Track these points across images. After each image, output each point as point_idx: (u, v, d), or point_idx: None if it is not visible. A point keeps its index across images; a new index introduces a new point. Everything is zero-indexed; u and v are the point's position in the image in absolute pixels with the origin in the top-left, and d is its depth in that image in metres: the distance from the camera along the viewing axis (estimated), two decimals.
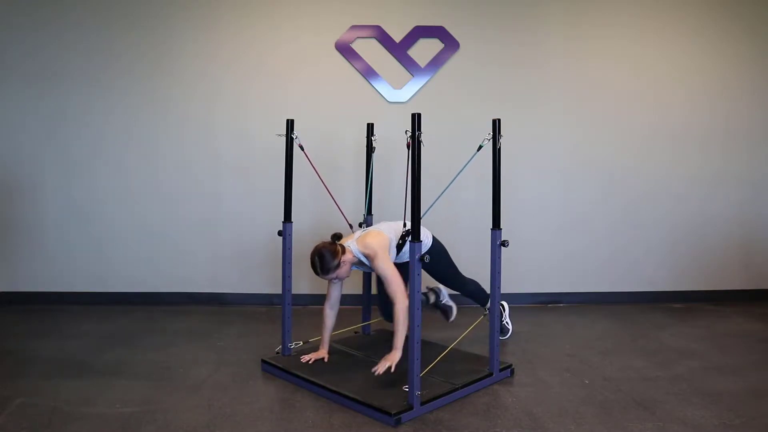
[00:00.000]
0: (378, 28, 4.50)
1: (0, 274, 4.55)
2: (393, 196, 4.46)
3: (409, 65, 4.51)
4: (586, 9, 4.56)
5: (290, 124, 3.22)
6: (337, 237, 3.01)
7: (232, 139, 4.53)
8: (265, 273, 4.56)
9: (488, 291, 3.24)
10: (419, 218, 2.56)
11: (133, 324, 4.03)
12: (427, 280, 3.45)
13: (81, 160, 4.52)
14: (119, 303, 4.54)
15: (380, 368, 2.74)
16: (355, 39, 4.51)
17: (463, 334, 3.38)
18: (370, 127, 3.61)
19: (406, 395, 2.59)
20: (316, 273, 2.91)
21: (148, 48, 4.49)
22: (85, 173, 4.53)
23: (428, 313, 3.57)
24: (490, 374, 2.95)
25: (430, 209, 3.04)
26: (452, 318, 3.60)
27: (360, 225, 3.60)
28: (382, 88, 4.51)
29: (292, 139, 3.21)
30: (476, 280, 3.55)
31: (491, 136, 2.93)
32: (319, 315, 3.26)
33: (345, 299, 3.30)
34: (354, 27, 4.49)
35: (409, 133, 2.57)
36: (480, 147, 3.00)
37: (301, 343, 3.39)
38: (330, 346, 3.20)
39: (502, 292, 3.19)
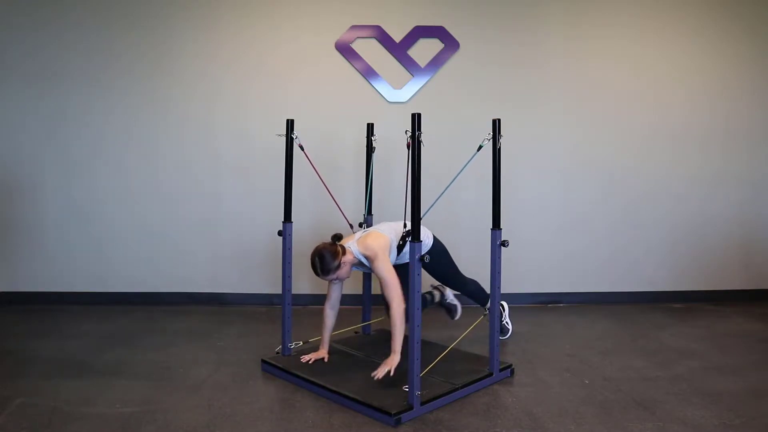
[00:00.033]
0: (378, 28, 4.50)
1: (0, 274, 4.56)
2: (393, 196, 4.46)
3: (409, 65, 4.51)
4: (586, 9, 4.56)
5: (290, 124, 3.22)
6: (337, 238, 3.01)
7: (232, 139, 4.53)
8: (265, 273, 4.56)
9: (488, 291, 3.25)
10: (419, 218, 2.56)
11: (133, 324, 4.03)
12: (429, 280, 3.45)
13: (81, 160, 4.52)
14: (119, 303, 4.54)
15: (380, 373, 2.74)
16: (355, 39, 4.51)
17: (463, 334, 3.38)
18: (370, 127, 3.61)
19: (406, 395, 2.59)
20: (317, 274, 2.91)
21: (148, 48, 4.49)
22: (85, 173, 4.53)
23: (429, 313, 3.57)
24: (490, 374, 2.95)
25: (431, 209, 3.05)
26: (457, 316, 3.62)
27: (360, 225, 3.61)
28: (382, 88, 4.51)
29: (292, 139, 3.21)
30: (476, 280, 3.56)
31: (491, 136, 2.93)
32: (319, 315, 3.26)
33: (345, 299, 3.31)
34: (354, 27, 4.49)
35: (409, 133, 2.57)
36: (480, 147, 3.00)
37: (301, 343, 3.39)
38: (330, 346, 3.21)
39: (502, 292, 3.19)
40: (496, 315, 3.00)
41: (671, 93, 4.61)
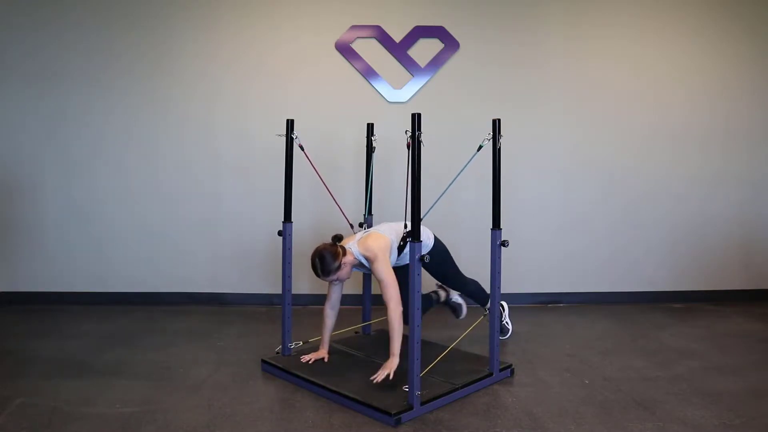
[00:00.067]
0: (378, 28, 4.50)
1: (0, 274, 4.56)
2: (393, 196, 4.46)
3: (409, 65, 4.51)
4: (586, 9, 4.56)
5: (290, 124, 3.22)
6: (338, 238, 3.00)
7: (232, 139, 4.53)
8: (265, 273, 4.56)
9: (488, 291, 3.25)
10: (419, 218, 2.55)
11: (133, 324, 4.03)
12: (431, 280, 3.45)
13: (81, 160, 4.52)
14: (119, 303, 4.54)
15: (379, 377, 2.74)
16: (355, 39, 4.51)
17: (463, 334, 3.38)
18: (370, 127, 3.61)
19: (406, 395, 2.59)
20: (317, 275, 2.91)
21: (148, 48, 4.49)
22: (85, 173, 4.53)
23: (430, 312, 3.57)
24: (490, 374, 2.95)
25: (431, 209, 3.04)
26: (462, 315, 3.64)
27: (360, 225, 3.60)
28: (382, 88, 4.51)
29: (292, 139, 3.21)
30: (476, 280, 3.56)
31: (491, 136, 2.93)
32: (319, 315, 3.26)
33: (345, 299, 3.31)
34: (354, 27, 4.49)
35: (409, 133, 2.57)
36: (480, 147, 3.00)
37: (301, 343, 3.39)
38: (330, 346, 3.20)
39: (502, 292, 3.19)
40: (496, 315, 3.00)
41: (671, 93, 4.61)
